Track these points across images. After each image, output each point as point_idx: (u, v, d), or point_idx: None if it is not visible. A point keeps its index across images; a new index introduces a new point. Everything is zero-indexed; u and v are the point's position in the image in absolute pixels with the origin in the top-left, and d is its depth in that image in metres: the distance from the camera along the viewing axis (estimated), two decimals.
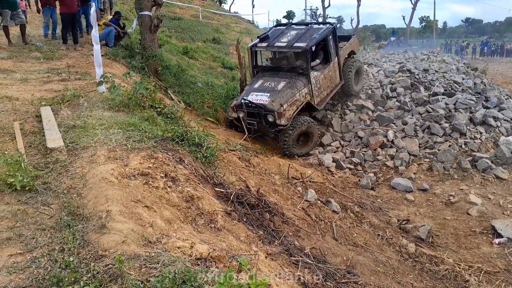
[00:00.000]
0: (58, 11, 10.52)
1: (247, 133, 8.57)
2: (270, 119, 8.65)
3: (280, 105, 8.68)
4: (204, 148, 4.86)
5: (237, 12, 30.53)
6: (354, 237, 5.56)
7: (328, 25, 10.56)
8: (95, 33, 5.77)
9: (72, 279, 2.27)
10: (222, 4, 34.15)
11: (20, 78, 7.20)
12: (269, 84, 9.40)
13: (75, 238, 2.72)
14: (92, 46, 6.22)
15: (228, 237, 3.45)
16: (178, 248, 2.82)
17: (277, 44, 9.96)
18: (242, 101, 8.86)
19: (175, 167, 4.21)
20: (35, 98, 5.82)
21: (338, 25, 49.93)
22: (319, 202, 5.98)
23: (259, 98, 8.86)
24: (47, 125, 4.63)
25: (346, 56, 11.34)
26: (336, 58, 10.63)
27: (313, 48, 10.35)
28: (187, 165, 4.40)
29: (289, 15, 50.50)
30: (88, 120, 4.92)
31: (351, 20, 42.71)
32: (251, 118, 8.88)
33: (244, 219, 4.07)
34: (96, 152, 4.07)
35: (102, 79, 5.50)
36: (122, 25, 11.37)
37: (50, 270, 2.39)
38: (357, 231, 5.76)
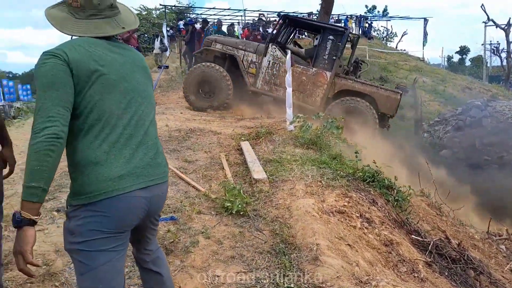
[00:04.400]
0: None
1: None
2: None
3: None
4: (395, 191, 4.69)
5: (405, 50, 29.44)
6: None
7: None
8: (288, 77, 6.31)
9: None
10: (388, 42, 33.26)
11: (218, 116, 8.35)
12: None
13: (291, 266, 2.89)
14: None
15: None
16: None
17: None
18: None
19: (369, 208, 4.15)
20: (234, 133, 6.62)
21: None
22: None
23: None
24: (250, 157, 5.17)
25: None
26: (328, 73, 8.10)
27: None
28: (380, 207, 4.30)
29: (463, 50, 45.29)
30: (282, 155, 5.32)
31: None
32: None
33: (446, 273, 3.71)
34: (294, 186, 4.33)
35: (294, 119, 5.91)
36: None
37: None
38: None
